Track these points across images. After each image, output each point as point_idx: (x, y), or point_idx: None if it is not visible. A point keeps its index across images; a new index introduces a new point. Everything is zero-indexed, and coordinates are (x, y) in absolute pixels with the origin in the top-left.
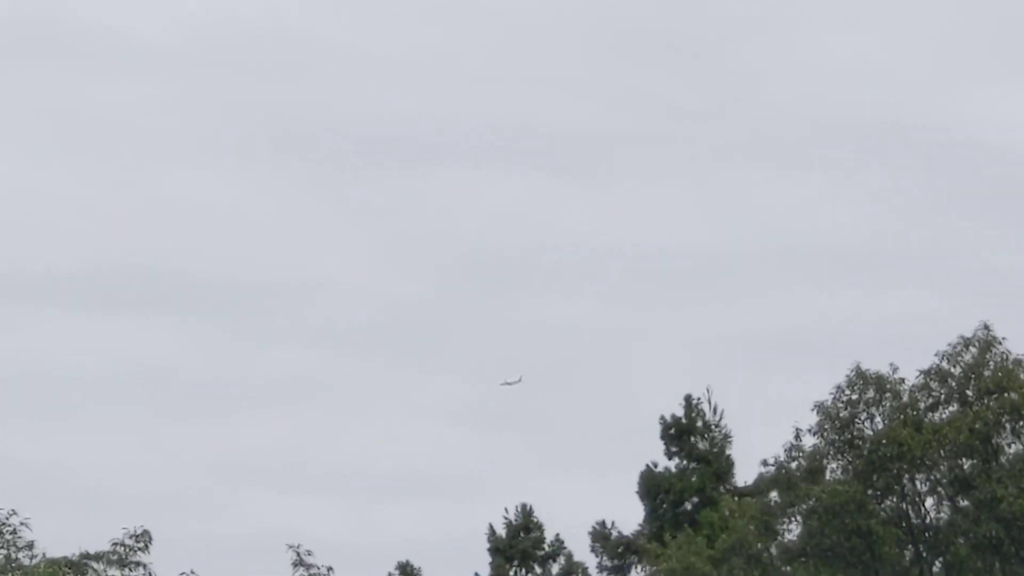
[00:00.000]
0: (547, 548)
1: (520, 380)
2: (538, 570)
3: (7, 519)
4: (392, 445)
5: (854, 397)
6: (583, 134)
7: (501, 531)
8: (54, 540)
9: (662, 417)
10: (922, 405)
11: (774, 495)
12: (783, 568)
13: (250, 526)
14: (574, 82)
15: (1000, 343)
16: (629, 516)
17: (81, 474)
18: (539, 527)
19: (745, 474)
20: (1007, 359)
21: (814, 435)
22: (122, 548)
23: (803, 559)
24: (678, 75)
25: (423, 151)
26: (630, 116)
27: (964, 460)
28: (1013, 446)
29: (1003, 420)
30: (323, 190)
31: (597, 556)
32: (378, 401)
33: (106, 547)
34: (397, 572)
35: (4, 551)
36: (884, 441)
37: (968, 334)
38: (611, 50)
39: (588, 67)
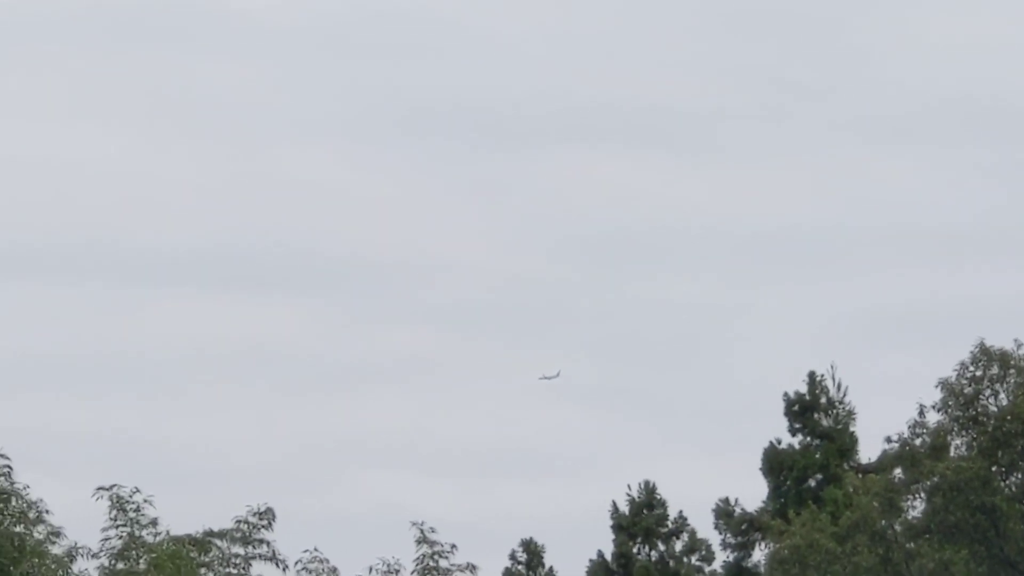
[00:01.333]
0: (670, 525)
1: (558, 374)
2: (661, 547)
3: (131, 497)
4: (510, 423)
5: (978, 373)
6: (698, 112)
7: (624, 508)
8: (178, 518)
9: (785, 394)
10: None
11: (898, 472)
12: (907, 545)
13: (370, 504)
14: (689, 60)
15: None
16: (753, 493)
17: (203, 453)
18: (662, 504)
19: (869, 451)
20: None
21: (938, 412)
22: (245, 525)
23: (927, 536)
24: (792, 53)
25: (539, 130)
26: (744, 94)
27: None
28: None
29: None
30: (440, 169)
31: (720, 533)
32: (495, 379)
33: (229, 525)
34: (521, 549)
35: (128, 529)
36: (1008, 417)
37: None
38: (725, 28)
39: (703, 45)
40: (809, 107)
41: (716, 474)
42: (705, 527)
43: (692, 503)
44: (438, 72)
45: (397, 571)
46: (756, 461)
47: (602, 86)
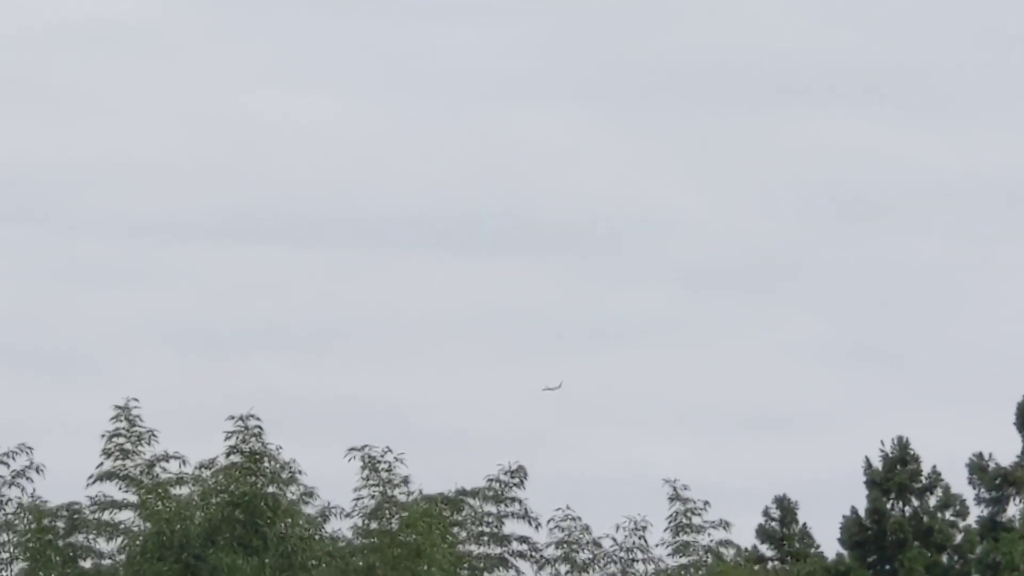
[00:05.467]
0: (924, 480)
1: (560, 385)
2: (915, 503)
3: (382, 456)
4: (753, 381)
5: None
6: (932, 67)
7: (878, 464)
8: (429, 477)
9: None
10: None
11: None
12: None
13: (617, 463)
14: (919, 13)
15: None
16: (1007, 448)
17: (449, 413)
18: (916, 459)
19: None
20: None
21: None
22: (497, 484)
23: None
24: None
25: (775, 89)
26: (979, 48)
27: None
28: None
29: None
30: (676, 130)
31: (974, 488)
32: (737, 338)
33: (482, 483)
34: (775, 506)
35: (380, 488)
36: None
37: None
38: None
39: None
40: None
41: (969, 429)
42: (959, 482)
43: (945, 458)
44: (672, 33)
45: (644, 528)
46: (1009, 415)
47: (839, 44)
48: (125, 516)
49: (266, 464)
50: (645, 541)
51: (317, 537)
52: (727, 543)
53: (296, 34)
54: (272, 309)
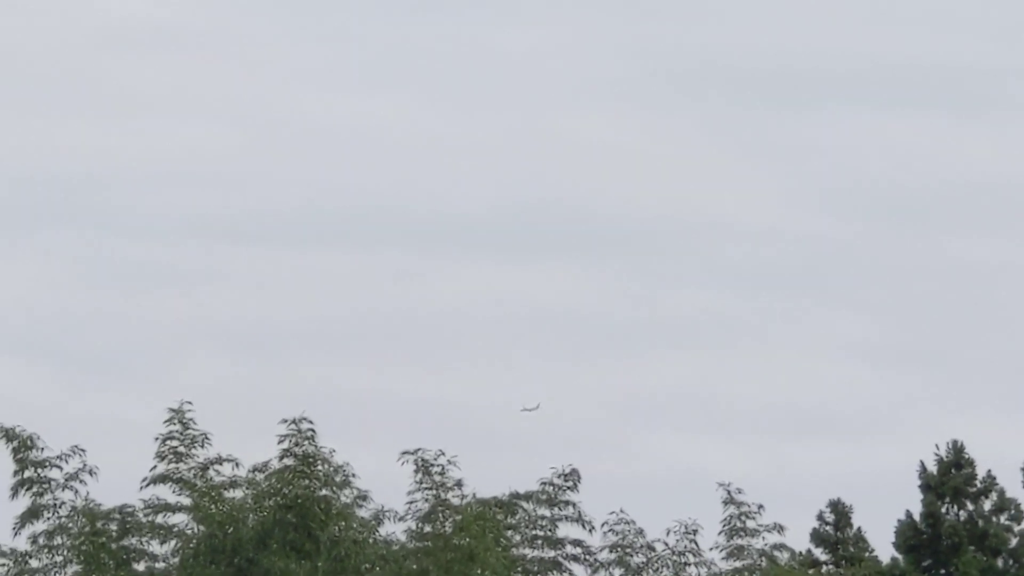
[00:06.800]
0: (979, 484)
1: (538, 406)
2: (970, 506)
3: (435, 460)
4: (804, 383)
5: None
6: (981, 68)
7: (932, 468)
8: (483, 481)
9: None
10: None
11: None
12: None
13: (668, 466)
14: (975, 15)
15: None
16: None
17: (499, 415)
18: (970, 463)
19: None
20: None
21: None
22: (551, 487)
23: None
24: None
25: (821, 90)
26: None
27: None
28: None
29: None
30: (721, 129)
31: None
32: (788, 339)
33: (535, 487)
34: (828, 510)
35: (433, 492)
36: None
37: None
38: None
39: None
40: None
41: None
42: (1014, 486)
43: (1000, 462)
44: (720, 34)
45: (695, 531)
46: None
47: (885, 46)
48: (178, 519)
49: (319, 467)
50: (696, 545)
51: (370, 540)
52: (781, 547)
53: (348, 35)
54: (325, 311)
